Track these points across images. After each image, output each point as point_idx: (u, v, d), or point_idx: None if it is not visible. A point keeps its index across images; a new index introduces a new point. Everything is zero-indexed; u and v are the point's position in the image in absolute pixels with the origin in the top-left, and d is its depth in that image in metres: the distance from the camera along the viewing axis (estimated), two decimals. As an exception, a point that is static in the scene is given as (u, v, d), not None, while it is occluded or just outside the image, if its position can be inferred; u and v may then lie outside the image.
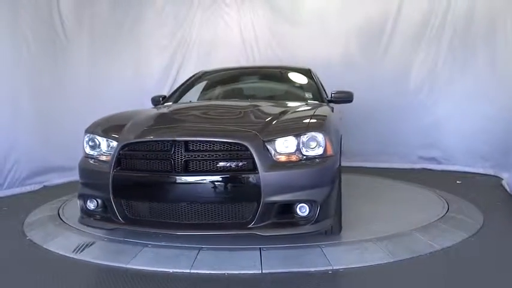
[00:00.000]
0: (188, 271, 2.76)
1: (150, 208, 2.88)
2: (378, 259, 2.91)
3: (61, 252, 3.12)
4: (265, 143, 2.77)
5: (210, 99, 4.72)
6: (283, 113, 3.29)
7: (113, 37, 6.38)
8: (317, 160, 2.82)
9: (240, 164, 2.73)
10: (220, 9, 7.41)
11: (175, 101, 4.48)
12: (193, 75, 5.08)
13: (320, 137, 2.83)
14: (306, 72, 4.62)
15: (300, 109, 3.53)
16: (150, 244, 3.10)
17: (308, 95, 4.24)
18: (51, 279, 2.69)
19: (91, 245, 3.17)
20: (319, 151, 2.83)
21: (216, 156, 2.74)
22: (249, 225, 2.71)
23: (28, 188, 5.23)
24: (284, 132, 2.87)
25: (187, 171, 2.73)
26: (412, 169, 6.57)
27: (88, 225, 3.17)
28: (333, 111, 3.84)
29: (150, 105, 4.61)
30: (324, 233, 3.04)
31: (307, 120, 3.01)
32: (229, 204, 2.76)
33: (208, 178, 2.73)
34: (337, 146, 3.07)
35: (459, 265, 2.94)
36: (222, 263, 2.84)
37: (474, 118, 6.14)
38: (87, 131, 3.24)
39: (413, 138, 6.63)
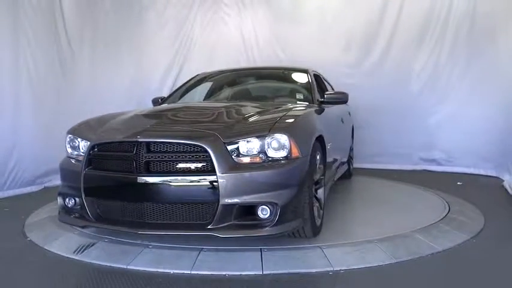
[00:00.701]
0: (189, 272, 2.75)
1: (117, 207, 2.94)
2: (379, 260, 2.91)
3: (62, 253, 3.12)
4: (226, 145, 2.77)
5: (200, 100, 4.75)
6: (256, 114, 3.28)
7: (114, 39, 6.39)
8: (282, 162, 2.80)
9: (200, 165, 2.74)
10: (221, 11, 7.43)
11: (172, 103, 4.52)
12: (192, 78, 5.10)
13: (284, 138, 2.81)
14: (302, 73, 4.59)
15: (274, 110, 3.45)
16: (151, 245, 3.09)
17: (299, 96, 4.22)
18: (52, 280, 2.69)
19: (92, 246, 3.17)
20: (283, 153, 2.81)
21: (176, 158, 2.78)
22: (208, 226, 2.72)
23: (29, 189, 5.24)
24: (247, 133, 2.85)
25: (148, 172, 2.78)
26: (413, 170, 6.57)
27: (65, 222, 3.25)
28: (321, 112, 3.84)
29: (151, 106, 4.62)
30: (293, 235, 3.05)
31: (273, 122, 2.96)
32: (189, 205, 2.78)
33: (168, 179, 2.76)
34: (309, 147, 3.00)
35: (460, 266, 2.93)
36: (222, 264, 2.84)
37: (475, 119, 6.14)
38: (68, 132, 3.38)
39: (415, 140, 6.63)
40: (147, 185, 2.78)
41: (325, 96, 4.04)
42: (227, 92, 4.83)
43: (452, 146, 6.43)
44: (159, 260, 2.91)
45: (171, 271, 2.77)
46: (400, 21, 6.65)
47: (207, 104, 4.30)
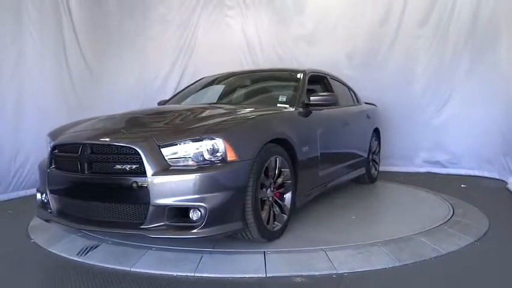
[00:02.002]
0: (192, 275, 2.75)
1: (71, 204, 3.16)
2: (383, 263, 2.90)
3: (65, 255, 3.13)
4: (161, 147, 2.81)
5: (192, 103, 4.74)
6: (208, 118, 3.32)
7: (118, 41, 6.41)
8: (217, 165, 2.81)
9: (134, 166, 2.81)
10: (224, 13, 7.45)
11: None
12: (196, 81, 5.16)
13: (218, 142, 2.82)
14: (295, 75, 4.46)
15: (224, 113, 3.46)
16: (154, 247, 3.09)
17: (282, 98, 4.12)
18: (55, 282, 2.69)
19: (95, 247, 3.17)
20: (218, 156, 2.82)
21: (113, 159, 2.91)
22: (141, 226, 2.77)
23: (33, 191, 5.20)
24: (183, 137, 2.87)
25: (91, 172, 2.96)
26: (417, 173, 6.56)
27: (38, 216, 3.45)
28: (307, 115, 3.86)
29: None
30: (242, 237, 3.05)
31: (210, 125, 3.01)
32: (124, 205, 2.87)
33: (106, 179, 2.92)
34: (253, 151, 2.97)
35: (464, 270, 2.92)
36: (226, 267, 2.84)
37: (479, 121, 6.13)
38: (47, 134, 3.62)
39: (418, 142, 6.62)
40: (89, 184, 2.98)
41: (311, 99, 3.97)
42: (214, 94, 4.79)
43: (456, 148, 6.41)
44: (162, 262, 2.91)
45: (174, 273, 2.77)
46: (402, 23, 6.64)
47: (175, 107, 4.25)
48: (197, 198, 2.72)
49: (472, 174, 6.27)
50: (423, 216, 4.07)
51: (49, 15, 5.48)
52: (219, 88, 4.91)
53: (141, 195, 2.75)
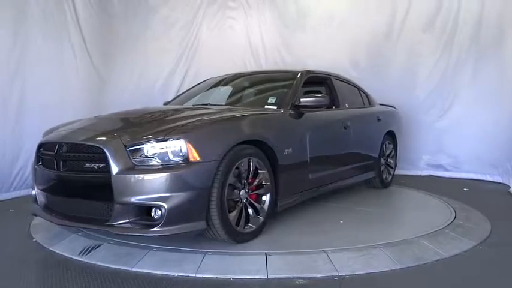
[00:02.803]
0: (193, 275, 2.75)
1: (52, 200, 3.32)
2: (384, 266, 2.90)
3: (67, 255, 3.13)
4: (127, 147, 2.88)
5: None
6: (182, 118, 3.34)
7: (122, 42, 6.43)
8: (179, 165, 2.84)
9: (101, 165, 2.91)
10: (227, 14, 7.46)
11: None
12: (201, 82, 5.17)
13: (181, 143, 2.86)
14: (291, 77, 4.41)
15: (196, 115, 3.47)
16: (155, 247, 3.10)
17: (271, 99, 4.08)
18: (57, 282, 2.69)
19: (97, 247, 3.18)
20: (181, 157, 2.86)
21: (83, 158, 3.05)
22: (107, 223, 2.85)
23: (35, 191, 5.25)
24: (149, 137, 2.92)
25: (65, 170, 3.12)
26: (419, 176, 6.54)
27: (30, 210, 3.55)
28: (298, 117, 3.84)
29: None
30: (210, 236, 3.08)
31: (176, 127, 3.04)
32: (93, 202, 3.01)
33: (77, 176, 3.07)
34: (219, 152, 2.98)
35: (466, 274, 2.91)
36: (227, 268, 2.83)
37: (482, 125, 6.12)
38: (43, 133, 3.75)
39: (421, 145, 6.61)
40: (64, 181, 3.17)
41: (301, 100, 3.93)
42: (212, 96, 4.78)
43: (459, 152, 6.40)
44: (164, 262, 2.91)
45: (176, 274, 2.77)
46: (407, 26, 6.64)
47: (160, 108, 4.26)
48: (157, 197, 2.78)
49: (475, 178, 6.25)
50: (425, 219, 4.06)
51: (53, 15, 5.50)
52: (217, 89, 4.90)
53: (107, 193, 2.82)
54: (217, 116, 3.39)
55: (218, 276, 2.74)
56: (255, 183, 3.33)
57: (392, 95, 6.53)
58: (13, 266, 3.02)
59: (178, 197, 2.79)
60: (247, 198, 3.27)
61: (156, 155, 2.87)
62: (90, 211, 3.02)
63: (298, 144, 3.77)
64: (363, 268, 2.85)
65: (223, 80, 4.96)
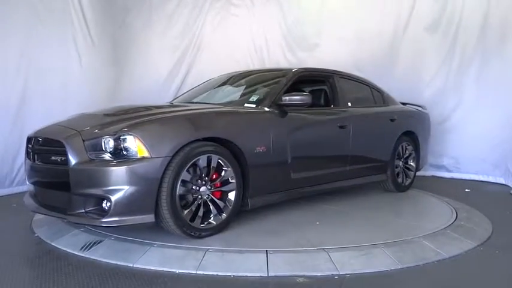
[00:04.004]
0: (194, 272, 2.76)
1: (35, 190, 3.50)
2: (385, 265, 2.90)
3: (68, 250, 3.15)
4: (85, 141, 3.04)
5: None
6: (145, 115, 3.38)
7: (125, 38, 6.43)
8: (131, 160, 2.96)
9: (63, 158, 3.10)
10: (231, 12, 7.43)
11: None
12: (201, 83, 5.18)
13: (131, 139, 2.97)
14: (282, 75, 4.34)
15: (158, 112, 3.52)
16: (156, 244, 3.11)
17: (253, 98, 4.05)
18: (58, 277, 2.70)
19: (98, 243, 3.19)
20: (131, 152, 2.97)
21: (50, 151, 3.27)
22: (68, 212, 3.04)
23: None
24: (104, 132, 3.06)
25: (39, 162, 3.38)
26: (422, 176, 6.53)
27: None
28: (282, 116, 3.81)
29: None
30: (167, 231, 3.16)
31: (130, 123, 3.13)
32: (57, 192, 3.19)
33: (45, 168, 3.32)
34: (169, 149, 3.05)
35: (467, 274, 2.92)
36: (228, 265, 2.84)
37: (485, 126, 6.11)
38: None
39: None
40: (38, 172, 3.41)
41: (282, 99, 3.88)
42: (198, 95, 4.76)
43: (462, 153, 6.40)
44: (165, 259, 2.92)
45: (177, 271, 2.78)
46: (411, 28, 6.63)
47: (137, 105, 4.14)
48: (104, 189, 2.92)
49: (477, 179, 6.26)
50: (426, 219, 4.06)
51: (58, 10, 5.51)
52: (212, 89, 4.84)
53: (65, 184, 3.02)
54: (173, 114, 3.43)
55: (219, 274, 2.75)
56: (218, 180, 3.36)
57: (395, 96, 6.52)
58: (15, 260, 3.03)
59: (125, 190, 2.91)
60: (209, 195, 3.30)
61: (108, 150, 3.00)
62: (57, 200, 3.21)
63: (275, 143, 3.71)
64: (363, 267, 2.86)
65: (221, 79, 4.95)
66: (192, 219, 3.19)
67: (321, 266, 2.86)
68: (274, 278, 2.72)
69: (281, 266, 2.84)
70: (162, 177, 3.00)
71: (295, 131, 3.94)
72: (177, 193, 3.07)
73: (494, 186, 5.94)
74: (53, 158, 3.21)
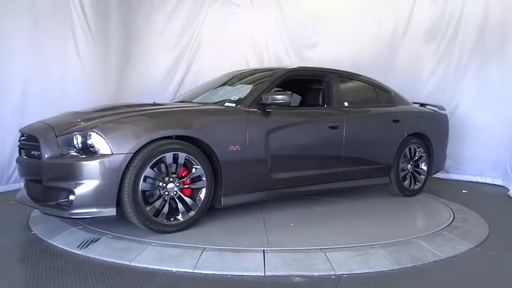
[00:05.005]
0: (191, 271, 2.76)
1: (25, 184, 3.68)
2: (382, 266, 2.91)
3: (65, 248, 3.14)
4: (57, 137, 3.22)
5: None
6: (120, 113, 3.48)
7: (124, 36, 6.42)
8: (93, 156, 3.09)
9: (38, 153, 3.30)
10: (231, 10, 7.42)
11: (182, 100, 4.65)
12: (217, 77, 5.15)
13: (95, 136, 3.10)
14: (270, 75, 4.32)
15: (133, 111, 3.58)
16: (154, 242, 3.11)
17: (235, 97, 4.05)
18: (55, 275, 2.70)
19: (96, 241, 3.18)
20: (94, 148, 3.11)
21: (29, 146, 3.47)
22: (41, 203, 3.27)
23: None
24: (75, 129, 3.21)
25: (23, 156, 3.59)
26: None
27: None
28: (265, 115, 3.80)
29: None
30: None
31: (97, 121, 3.25)
32: (35, 184, 3.37)
33: (26, 162, 3.54)
34: (131, 146, 3.12)
35: (463, 275, 2.92)
36: (225, 264, 2.84)
37: (483, 128, 6.13)
38: None
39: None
40: (22, 165, 3.62)
41: (262, 98, 3.85)
42: (199, 94, 4.74)
43: (459, 154, 6.40)
44: (162, 257, 2.92)
45: (174, 269, 2.78)
46: (410, 29, 6.63)
47: (121, 104, 4.26)
48: (68, 183, 3.08)
49: (475, 180, 6.27)
50: (424, 220, 4.08)
51: (59, 8, 5.50)
52: (214, 87, 4.82)
53: (38, 177, 3.25)
54: (139, 113, 3.47)
55: (216, 273, 2.75)
56: (187, 177, 3.40)
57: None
58: (11, 258, 3.03)
59: (87, 185, 3.04)
60: (176, 192, 3.35)
61: (75, 145, 3.14)
62: (35, 192, 3.40)
63: (252, 142, 3.70)
64: (360, 268, 2.87)
65: (224, 78, 4.93)
66: (157, 214, 3.26)
67: (318, 265, 2.86)
68: (271, 277, 2.72)
69: (278, 265, 2.84)
70: (125, 173, 3.11)
71: (277, 131, 3.90)
72: (139, 189, 3.15)
73: (492, 188, 5.95)
74: (32, 152, 3.41)
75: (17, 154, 3.78)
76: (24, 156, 3.58)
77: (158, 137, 3.25)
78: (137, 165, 3.14)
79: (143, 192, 3.18)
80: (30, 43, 5.21)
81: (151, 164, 3.20)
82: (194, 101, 4.48)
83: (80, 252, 3.05)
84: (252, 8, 7.40)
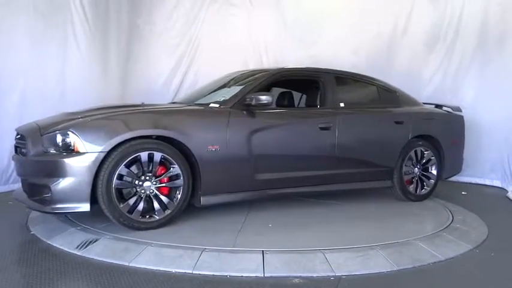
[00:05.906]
0: (190, 272, 2.76)
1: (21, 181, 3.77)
2: (381, 267, 2.91)
3: (64, 248, 3.14)
4: (42, 136, 3.34)
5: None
6: (104, 113, 3.57)
7: (125, 37, 6.42)
8: (69, 154, 3.21)
9: (25, 150, 3.48)
10: (230, 12, 7.42)
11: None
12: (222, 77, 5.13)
13: (71, 135, 3.24)
14: (261, 75, 4.33)
15: (120, 111, 3.63)
16: (153, 243, 3.10)
17: (220, 98, 4.07)
18: (54, 276, 2.70)
19: (95, 242, 3.18)
20: (70, 147, 3.24)
21: (21, 144, 3.60)
22: (29, 198, 3.43)
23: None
24: (57, 128, 3.32)
25: (18, 153, 3.69)
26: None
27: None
28: (250, 115, 3.81)
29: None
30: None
31: (75, 121, 3.38)
32: (25, 180, 3.59)
33: (18, 160, 3.63)
34: (105, 144, 3.22)
35: (462, 276, 2.93)
36: (224, 265, 2.84)
37: (482, 129, 6.11)
38: None
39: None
40: (18, 164, 3.70)
41: (247, 99, 3.84)
42: (191, 96, 4.80)
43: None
44: (161, 258, 2.92)
45: (173, 270, 2.78)
46: (410, 29, 6.63)
47: (110, 105, 4.27)
48: (45, 179, 3.23)
49: (474, 182, 6.27)
50: (423, 221, 4.07)
51: (59, 8, 5.50)
52: (214, 88, 4.77)
53: (25, 174, 3.53)
54: (116, 114, 3.53)
55: (215, 274, 2.75)
56: (164, 176, 3.45)
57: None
58: (10, 259, 3.03)
59: (62, 181, 3.16)
60: (153, 190, 3.40)
61: (55, 144, 3.28)
62: (25, 188, 3.59)
63: (233, 142, 3.70)
64: (359, 269, 2.87)
65: (225, 78, 4.91)
66: (131, 211, 3.32)
67: (317, 267, 2.86)
68: (270, 278, 2.72)
69: (277, 266, 2.84)
70: (98, 171, 3.20)
71: (262, 131, 3.88)
72: (113, 186, 3.23)
73: (491, 189, 5.95)
74: (23, 150, 3.54)
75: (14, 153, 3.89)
76: (18, 154, 3.71)
77: (130, 137, 3.32)
78: (111, 164, 3.23)
79: (118, 189, 3.28)
80: (30, 43, 5.20)
81: (125, 162, 3.28)
82: (195, 102, 4.47)
83: (79, 253, 3.04)
84: (251, 8, 7.40)
